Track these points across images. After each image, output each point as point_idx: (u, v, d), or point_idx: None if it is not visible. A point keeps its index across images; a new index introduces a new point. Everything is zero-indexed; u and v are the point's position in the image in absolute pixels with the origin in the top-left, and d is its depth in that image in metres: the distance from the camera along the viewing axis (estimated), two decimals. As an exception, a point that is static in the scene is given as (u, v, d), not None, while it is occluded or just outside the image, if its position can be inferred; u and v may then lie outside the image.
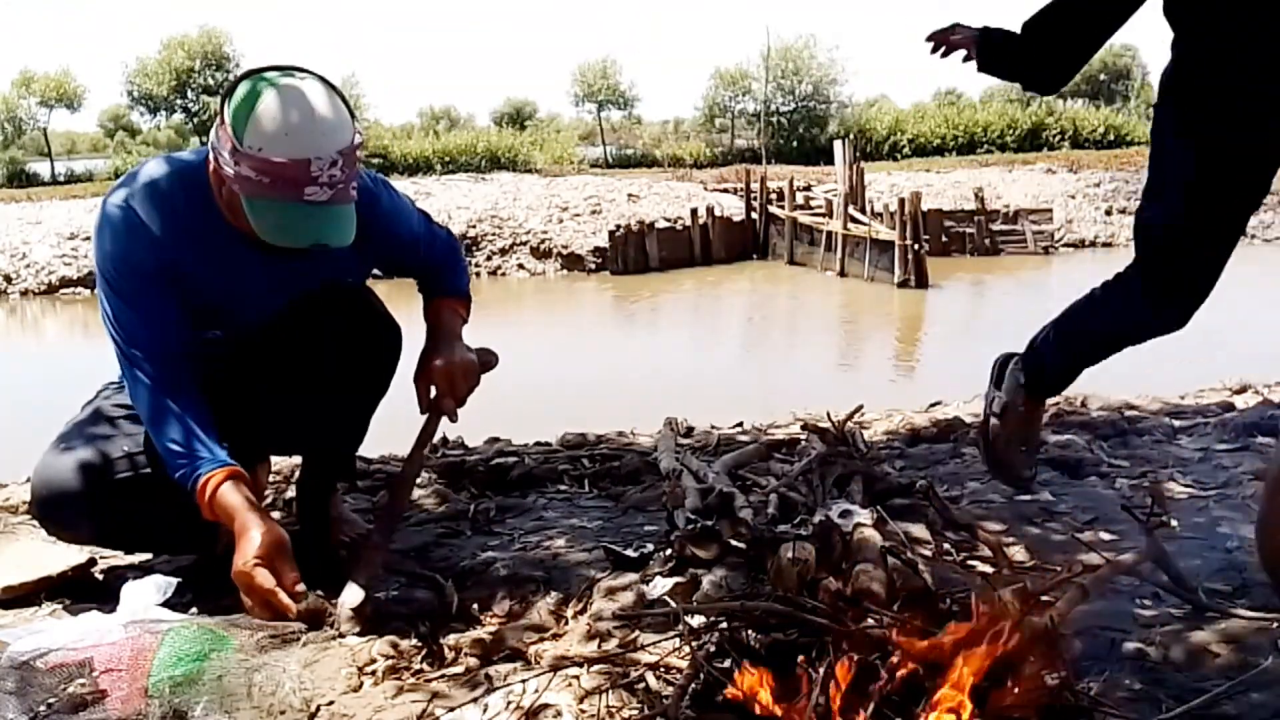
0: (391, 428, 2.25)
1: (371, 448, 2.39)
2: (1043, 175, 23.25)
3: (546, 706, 1.36)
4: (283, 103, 1.59)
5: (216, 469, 1.69)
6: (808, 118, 34.59)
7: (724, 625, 1.39)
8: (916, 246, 15.50)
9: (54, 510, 1.82)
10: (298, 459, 2.35)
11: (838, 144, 18.94)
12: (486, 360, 2.05)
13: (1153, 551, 1.64)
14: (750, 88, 35.54)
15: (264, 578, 1.61)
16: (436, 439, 2.07)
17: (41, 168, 31.96)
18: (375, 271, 2.07)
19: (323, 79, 1.68)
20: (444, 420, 1.99)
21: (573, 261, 18.89)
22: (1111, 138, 32.73)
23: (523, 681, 1.42)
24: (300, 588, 1.64)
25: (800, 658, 1.23)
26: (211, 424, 1.74)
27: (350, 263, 1.92)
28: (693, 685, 1.31)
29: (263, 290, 1.84)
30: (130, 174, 1.78)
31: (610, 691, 1.38)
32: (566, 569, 1.93)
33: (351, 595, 1.67)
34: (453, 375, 1.93)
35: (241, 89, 1.62)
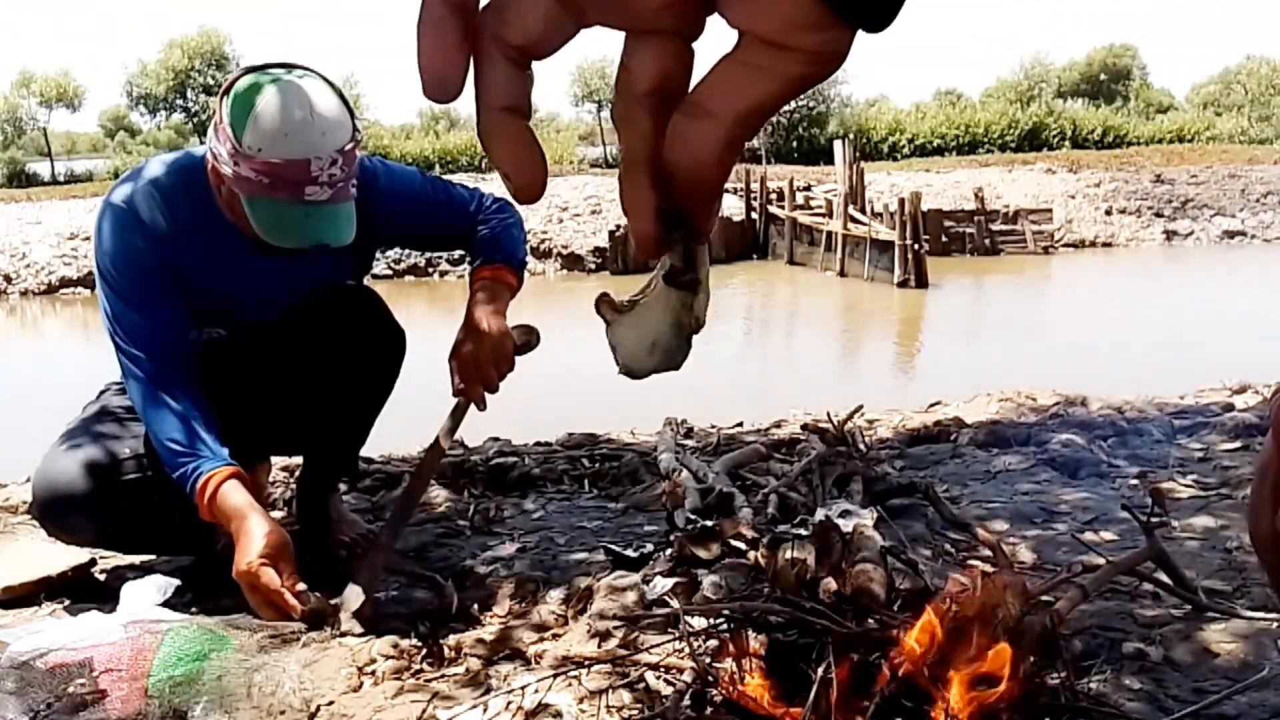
0: (393, 428, 2.25)
1: (372, 448, 2.38)
2: (1043, 175, 23.24)
3: (547, 706, 1.36)
4: (281, 102, 1.58)
5: (217, 468, 1.68)
6: (808, 118, 34.58)
7: (724, 626, 1.39)
8: (916, 246, 15.50)
9: (56, 512, 1.81)
10: (298, 459, 2.35)
11: (838, 144, 18.94)
12: (525, 340, 1.92)
13: (1153, 551, 1.64)
14: (750, 88, 35.49)
15: (269, 577, 1.61)
16: (461, 430, 1.94)
17: (41, 168, 31.96)
18: (381, 270, 2.05)
19: (322, 76, 1.67)
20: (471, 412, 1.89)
21: (572, 261, 18.89)
22: (1111, 138, 32.74)
23: (524, 683, 1.42)
24: (301, 587, 1.64)
25: (800, 658, 1.23)
26: (212, 423, 1.73)
27: (353, 257, 1.92)
28: (692, 686, 1.31)
29: (264, 287, 1.84)
30: (131, 172, 1.78)
31: (611, 692, 1.38)
32: (566, 569, 1.93)
33: (355, 598, 1.67)
34: (482, 362, 1.81)
35: (239, 88, 1.61)
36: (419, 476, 1.98)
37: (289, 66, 1.66)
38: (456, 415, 1.89)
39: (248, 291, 1.83)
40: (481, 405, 1.87)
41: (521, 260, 1.97)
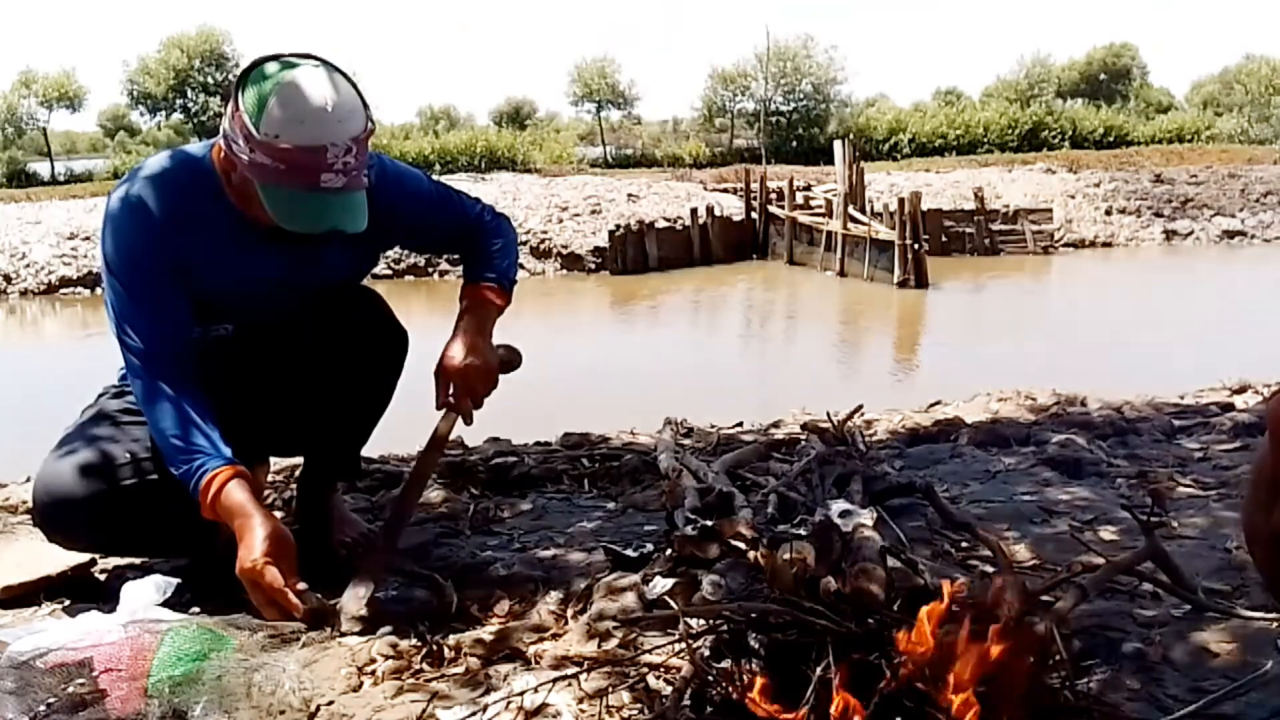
0: (393, 428, 2.25)
1: (372, 448, 2.38)
2: (1042, 175, 23.25)
3: (546, 706, 1.36)
4: (298, 90, 1.59)
5: (221, 466, 1.68)
6: (807, 118, 34.59)
7: (723, 627, 1.39)
8: (916, 246, 15.50)
9: (56, 518, 1.80)
10: (298, 458, 2.34)
11: (837, 144, 18.94)
12: (509, 360, 1.99)
13: (1153, 551, 1.64)
14: (749, 87, 35.55)
15: (273, 576, 1.61)
16: (459, 432, 2.00)
17: (41, 168, 31.93)
18: (381, 270, 2.06)
19: (334, 66, 1.68)
20: (459, 422, 1.94)
21: (572, 261, 18.89)
22: (1111, 138, 32.72)
23: (523, 684, 1.42)
24: (302, 587, 1.64)
25: (800, 658, 1.23)
26: (215, 420, 1.73)
27: (359, 252, 1.92)
28: (691, 686, 1.31)
29: (271, 282, 1.84)
30: (137, 168, 1.78)
31: (610, 692, 1.38)
32: (566, 569, 1.93)
33: (354, 598, 1.67)
34: (470, 377, 1.87)
35: (255, 76, 1.62)
36: (413, 484, 1.98)
37: (303, 56, 1.67)
38: (446, 426, 1.93)
39: (253, 285, 1.83)
40: (469, 420, 1.92)
41: (512, 280, 2.02)
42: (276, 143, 1.57)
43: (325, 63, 1.68)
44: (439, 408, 1.91)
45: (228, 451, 1.71)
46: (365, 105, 1.67)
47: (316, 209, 1.63)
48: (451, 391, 1.89)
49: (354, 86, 1.68)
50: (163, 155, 1.80)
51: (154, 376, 1.72)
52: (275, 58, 1.65)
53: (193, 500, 1.68)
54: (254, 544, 1.62)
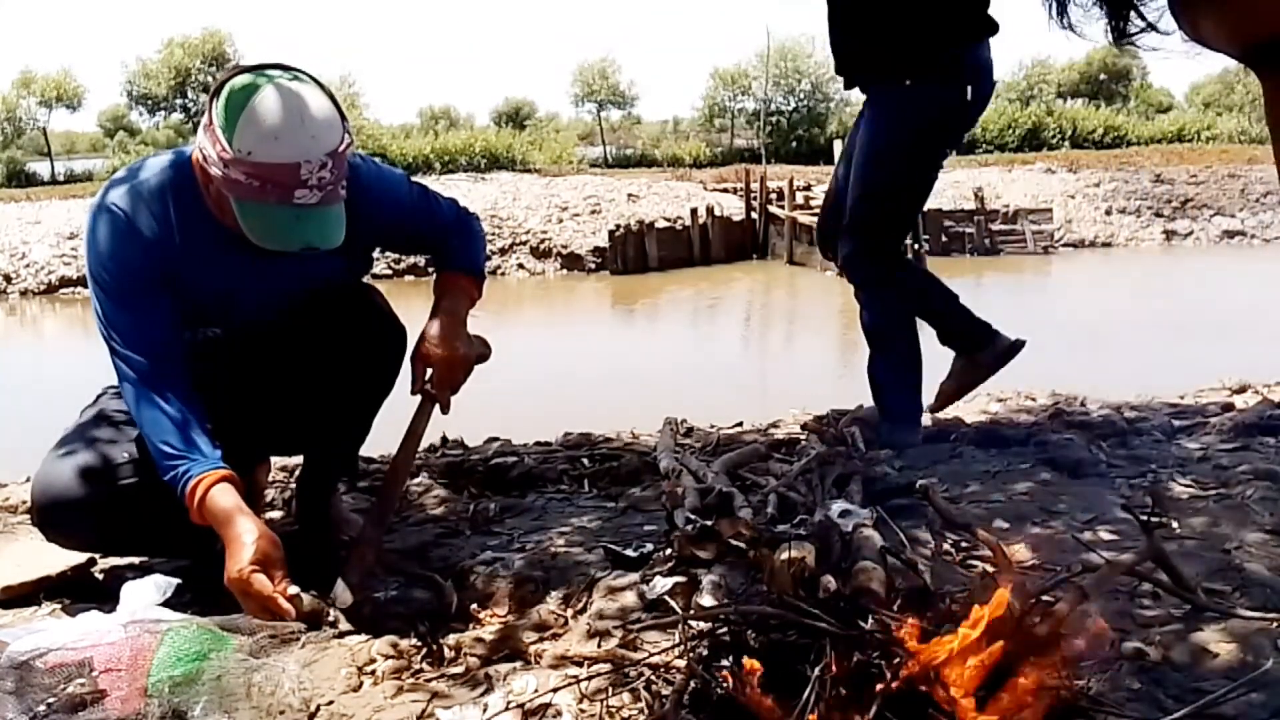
0: (394, 428, 2.25)
1: (372, 448, 2.38)
2: (1042, 175, 23.23)
3: (547, 706, 1.36)
4: (272, 105, 1.57)
5: (207, 471, 1.67)
6: (807, 117, 34.55)
7: (722, 628, 1.39)
8: (916, 246, 15.47)
9: (55, 518, 1.80)
10: (298, 458, 2.34)
11: (837, 143, 18.93)
12: (481, 352, 2.01)
13: (1152, 551, 1.64)
14: (750, 87, 35.53)
15: (261, 583, 1.60)
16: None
17: (41, 168, 31.91)
18: (381, 270, 2.06)
19: (312, 78, 1.66)
20: (435, 411, 1.96)
21: (572, 261, 18.88)
22: (1111, 138, 32.68)
23: (523, 683, 1.42)
24: (292, 590, 1.63)
25: (799, 659, 1.23)
26: (205, 426, 1.72)
27: (346, 258, 1.92)
28: (690, 686, 1.31)
29: (257, 287, 1.83)
30: (124, 173, 1.77)
31: (611, 692, 1.38)
32: (566, 569, 1.92)
33: (343, 590, 1.67)
34: (451, 366, 1.88)
35: (229, 89, 1.60)
36: (394, 475, 1.98)
37: (279, 68, 1.65)
38: (424, 414, 1.94)
39: (243, 290, 1.83)
40: (446, 409, 1.93)
41: (484, 273, 2.05)
42: (250, 159, 1.56)
43: (302, 74, 1.66)
44: (415, 393, 1.92)
45: (216, 455, 1.69)
46: (343, 118, 1.66)
47: (290, 225, 1.61)
48: (429, 378, 1.90)
49: (332, 99, 1.66)
50: (153, 160, 1.78)
51: (143, 381, 1.71)
52: (251, 70, 1.64)
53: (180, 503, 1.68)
54: (240, 552, 1.61)
